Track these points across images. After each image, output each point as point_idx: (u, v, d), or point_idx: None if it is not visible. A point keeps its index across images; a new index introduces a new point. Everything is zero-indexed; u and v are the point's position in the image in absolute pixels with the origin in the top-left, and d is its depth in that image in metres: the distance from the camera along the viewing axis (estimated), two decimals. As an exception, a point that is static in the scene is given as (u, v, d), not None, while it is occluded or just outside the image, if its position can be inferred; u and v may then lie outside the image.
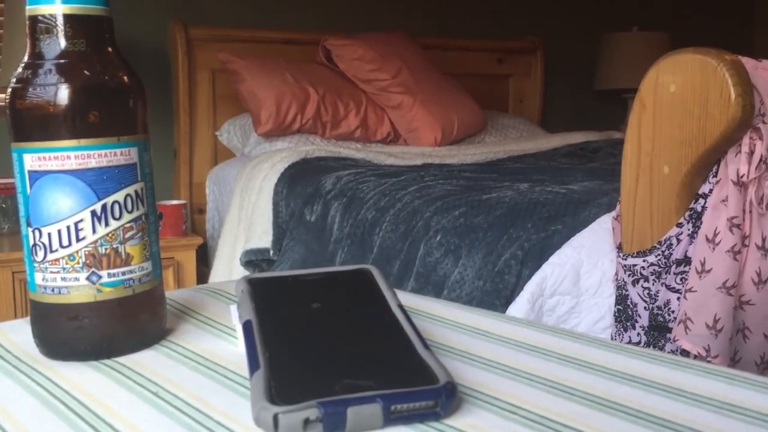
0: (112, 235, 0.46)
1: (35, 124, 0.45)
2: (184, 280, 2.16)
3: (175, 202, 2.22)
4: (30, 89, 0.45)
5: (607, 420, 0.36)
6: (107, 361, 0.46)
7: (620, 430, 0.35)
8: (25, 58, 0.46)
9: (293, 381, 0.36)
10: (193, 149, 2.50)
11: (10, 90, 0.46)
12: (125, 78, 0.47)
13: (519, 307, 1.13)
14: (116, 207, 0.46)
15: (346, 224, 1.59)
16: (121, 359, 0.46)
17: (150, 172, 0.49)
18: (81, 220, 0.45)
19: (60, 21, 0.45)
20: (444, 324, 0.53)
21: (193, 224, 2.49)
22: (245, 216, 1.98)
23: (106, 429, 0.36)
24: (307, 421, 0.33)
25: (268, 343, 0.40)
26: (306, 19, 2.71)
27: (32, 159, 0.45)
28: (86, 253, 0.45)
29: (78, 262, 0.45)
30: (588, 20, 3.33)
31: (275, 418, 0.33)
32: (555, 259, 1.14)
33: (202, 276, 2.27)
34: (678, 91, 0.92)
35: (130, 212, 0.47)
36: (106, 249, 0.46)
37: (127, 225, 0.46)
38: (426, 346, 0.40)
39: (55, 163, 0.44)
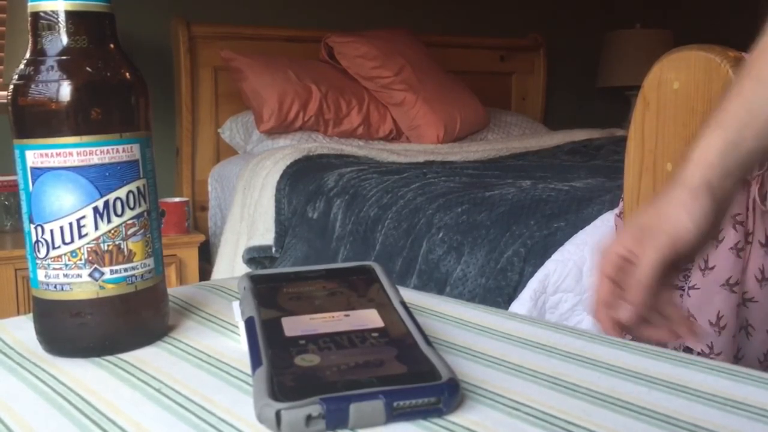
0: (115, 231, 0.46)
1: (37, 120, 0.45)
2: (186, 278, 2.16)
3: (177, 199, 2.23)
4: (32, 86, 0.45)
5: (611, 416, 0.36)
6: (110, 358, 0.46)
7: (624, 427, 0.35)
8: (27, 55, 0.46)
9: (296, 378, 0.36)
10: (196, 147, 2.50)
11: (12, 87, 0.46)
12: (127, 75, 0.47)
13: (521, 304, 1.13)
14: (118, 204, 0.46)
15: (348, 221, 1.59)
16: (124, 356, 0.46)
17: (152, 169, 0.49)
18: (83, 217, 0.45)
19: (62, 17, 0.45)
20: (447, 321, 0.53)
21: (196, 221, 2.49)
22: (248, 213, 1.98)
23: (110, 426, 0.36)
24: (309, 418, 0.33)
25: (270, 340, 0.40)
26: (308, 16, 2.71)
27: (34, 156, 0.45)
28: (89, 249, 0.45)
29: (80, 259, 0.45)
30: (591, 17, 3.32)
31: (278, 414, 0.33)
32: (558, 256, 1.14)
33: (205, 273, 2.27)
34: (681, 88, 0.92)
35: (132, 209, 0.47)
36: (108, 246, 0.46)
37: (129, 222, 0.46)
38: (428, 343, 0.40)
39: (57, 160, 0.44)
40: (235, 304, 0.49)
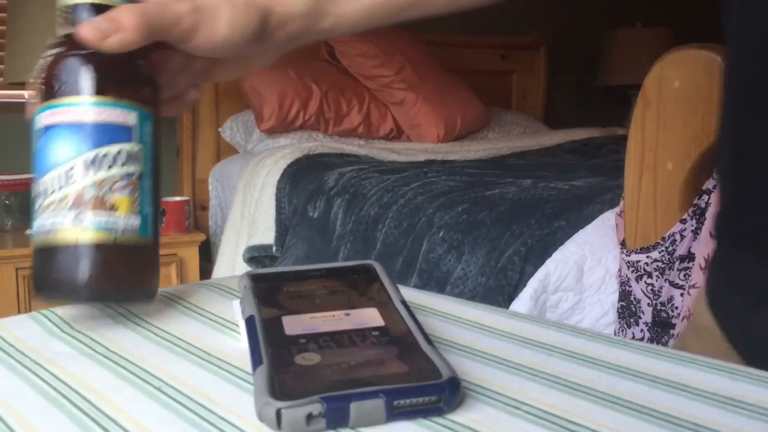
0: (101, 182, 0.48)
1: (50, 87, 0.48)
2: (187, 277, 2.16)
3: (178, 198, 2.23)
4: (52, 60, 0.48)
5: (611, 415, 0.36)
6: (111, 356, 0.46)
7: (624, 425, 0.35)
8: (55, 41, 0.50)
9: (296, 376, 0.36)
10: (196, 146, 2.50)
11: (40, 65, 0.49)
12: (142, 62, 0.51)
13: (522, 303, 1.13)
14: (108, 158, 0.48)
15: (348, 220, 1.59)
16: (125, 354, 0.46)
17: (151, 142, 0.51)
18: (73, 167, 0.47)
19: (87, 9, 0.49)
20: (447, 319, 0.53)
21: (196, 221, 2.49)
22: (248, 212, 1.98)
23: (110, 424, 0.36)
24: (309, 417, 0.33)
25: (270, 338, 0.40)
26: (309, 15, 2.71)
27: (42, 117, 0.48)
28: (74, 196, 0.48)
29: (66, 205, 0.48)
30: (591, 16, 3.32)
31: (278, 413, 0.33)
32: (558, 255, 1.14)
33: (205, 272, 2.27)
34: (682, 86, 0.92)
35: (120, 166, 0.49)
36: (92, 194, 0.48)
37: (117, 176, 0.49)
38: (429, 342, 0.40)
39: (58, 118, 0.47)
40: (236, 303, 0.49)
